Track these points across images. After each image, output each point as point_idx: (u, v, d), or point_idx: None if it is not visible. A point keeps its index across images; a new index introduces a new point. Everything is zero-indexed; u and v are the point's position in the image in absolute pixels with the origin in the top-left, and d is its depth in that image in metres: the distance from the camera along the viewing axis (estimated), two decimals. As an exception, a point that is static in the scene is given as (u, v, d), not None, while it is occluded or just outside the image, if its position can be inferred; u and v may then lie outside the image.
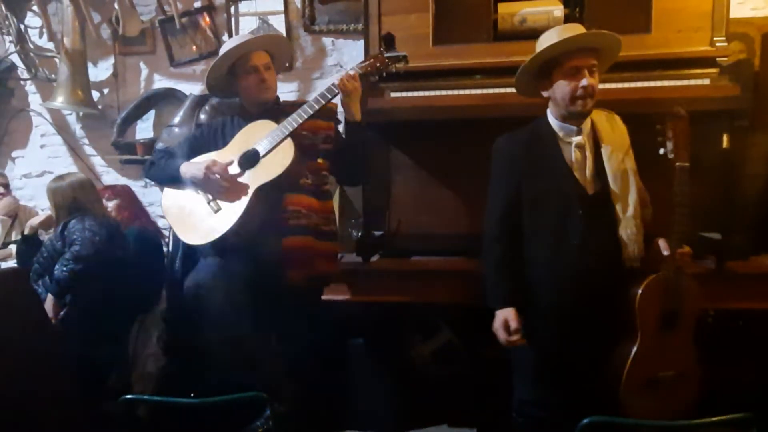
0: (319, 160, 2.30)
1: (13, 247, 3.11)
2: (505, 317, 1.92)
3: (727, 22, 2.40)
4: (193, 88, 3.45)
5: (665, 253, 1.90)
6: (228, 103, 2.99)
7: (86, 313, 2.69)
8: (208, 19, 3.50)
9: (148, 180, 2.49)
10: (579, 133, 1.97)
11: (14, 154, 3.86)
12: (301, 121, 2.19)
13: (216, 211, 2.19)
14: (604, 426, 1.58)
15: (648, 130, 1.96)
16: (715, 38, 2.39)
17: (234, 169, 2.21)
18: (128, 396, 1.77)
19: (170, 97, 3.56)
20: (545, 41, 1.95)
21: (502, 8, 2.55)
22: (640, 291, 1.91)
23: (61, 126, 3.80)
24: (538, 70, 1.99)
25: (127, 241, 2.88)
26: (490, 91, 2.47)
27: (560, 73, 1.93)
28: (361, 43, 2.67)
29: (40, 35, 3.75)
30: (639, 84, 2.41)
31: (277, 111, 2.31)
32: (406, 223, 2.81)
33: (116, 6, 3.44)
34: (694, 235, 2.53)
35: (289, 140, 2.19)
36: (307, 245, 2.23)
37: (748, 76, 2.37)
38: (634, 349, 1.93)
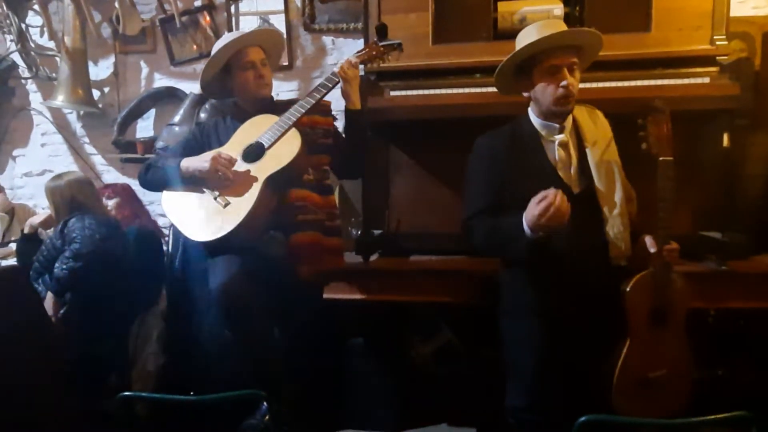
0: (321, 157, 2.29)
1: (13, 246, 3.11)
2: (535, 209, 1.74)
3: (728, 20, 2.40)
4: (194, 87, 3.44)
5: (652, 250, 1.87)
6: (227, 102, 2.99)
7: (86, 311, 2.69)
8: (208, 17, 3.51)
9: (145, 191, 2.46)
10: (561, 131, 1.95)
11: (15, 152, 3.87)
12: (303, 111, 2.18)
13: (225, 206, 2.13)
14: (600, 425, 1.57)
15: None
16: (715, 37, 2.39)
17: (238, 165, 2.17)
18: (126, 393, 1.74)
19: (170, 95, 3.57)
20: (524, 38, 1.92)
21: (502, 7, 2.55)
22: (628, 289, 1.89)
23: (61, 125, 3.80)
24: (517, 67, 1.96)
25: (127, 239, 2.87)
26: (490, 89, 2.43)
27: (540, 71, 1.90)
28: (361, 42, 2.67)
29: (41, 34, 3.75)
30: (639, 83, 2.41)
31: (273, 109, 2.30)
32: (406, 222, 2.80)
33: (117, 5, 3.45)
34: (694, 234, 2.53)
35: (294, 130, 2.17)
36: (315, 241, 2.22)
37: (749, 74, 2.37)
38: (625, 348, 1.90)
